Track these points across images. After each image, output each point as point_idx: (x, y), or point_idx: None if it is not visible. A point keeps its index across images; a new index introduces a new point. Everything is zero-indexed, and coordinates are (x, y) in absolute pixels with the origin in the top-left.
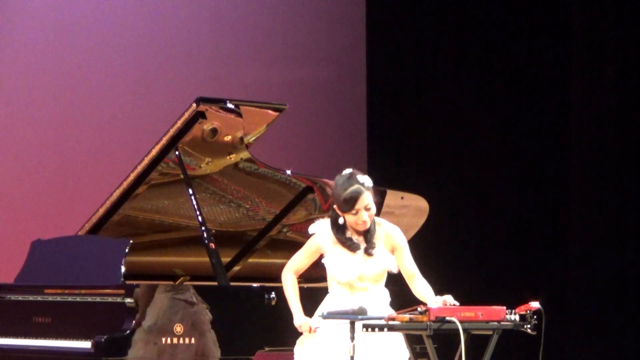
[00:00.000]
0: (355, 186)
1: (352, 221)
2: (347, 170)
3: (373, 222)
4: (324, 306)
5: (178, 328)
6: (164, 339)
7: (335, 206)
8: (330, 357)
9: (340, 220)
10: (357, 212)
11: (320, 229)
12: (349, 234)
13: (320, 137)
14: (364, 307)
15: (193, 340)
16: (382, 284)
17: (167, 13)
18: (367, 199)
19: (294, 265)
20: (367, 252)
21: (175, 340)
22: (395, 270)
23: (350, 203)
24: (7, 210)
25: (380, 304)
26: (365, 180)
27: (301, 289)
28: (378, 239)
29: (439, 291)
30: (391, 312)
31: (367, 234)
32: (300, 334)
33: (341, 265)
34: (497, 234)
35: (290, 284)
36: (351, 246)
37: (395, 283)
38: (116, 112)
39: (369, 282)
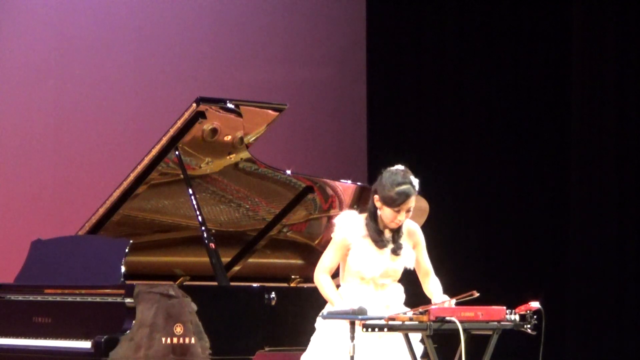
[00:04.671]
0: (408, 186)
1: (389, 217)
2: (400, 167)
3: None
4: (349, 301)
5: (178, 328)
6: (140, 335)
7: (377, 197)
8: (330, 357)
9: (378, 213)
10: (399, 211)
11: (347, 221)
12: (381, 229)
13: (320, 137)
14: (364, 307)
15: (172, 334)
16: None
17: (168, 13)
18: (413, 201)
19: (324, 266)
20: (395, 251)
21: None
22: (412, 267)
23: (398, 201)
24: (7, 210)
25: (399, 301)
26: (416, 182)
27: (301, 289)
28: (403, 237)
29: None
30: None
31: (396, 233)
32: (309, 335)
33: (368, 261)
34: (497, 233)
35: (327, 282)
36: (381, 243)
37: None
38: (116, 112)
39: (389, 279)
